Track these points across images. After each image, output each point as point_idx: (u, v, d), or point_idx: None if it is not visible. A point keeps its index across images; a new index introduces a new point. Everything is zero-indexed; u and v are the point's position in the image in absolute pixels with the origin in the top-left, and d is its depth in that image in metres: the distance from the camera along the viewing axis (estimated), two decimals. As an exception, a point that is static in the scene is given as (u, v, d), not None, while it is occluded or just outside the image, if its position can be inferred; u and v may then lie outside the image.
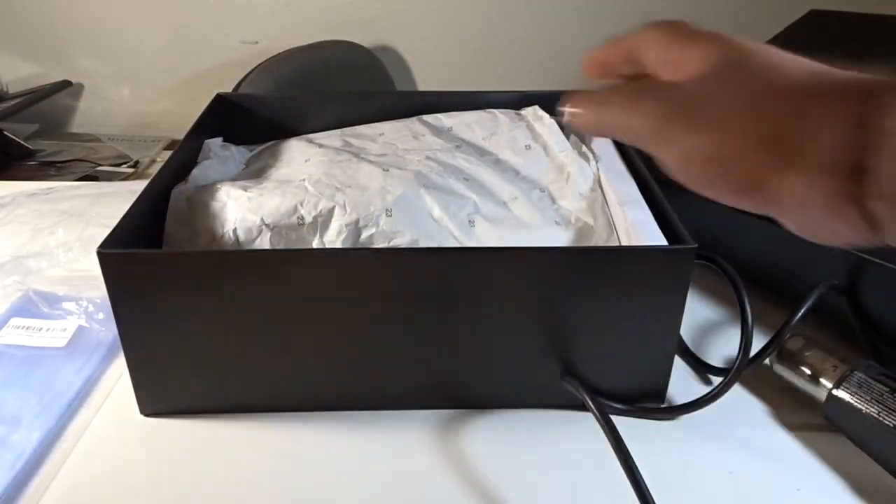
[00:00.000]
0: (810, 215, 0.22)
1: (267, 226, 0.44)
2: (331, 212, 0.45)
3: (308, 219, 0.44)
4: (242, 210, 0.45)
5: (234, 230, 0.44)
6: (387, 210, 0.45)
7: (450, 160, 0.51)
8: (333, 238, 0.44)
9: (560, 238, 0.46)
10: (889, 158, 0.18)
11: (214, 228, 0.45)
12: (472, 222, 0.46)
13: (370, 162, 0.50)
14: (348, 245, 0.44)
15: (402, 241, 0.44)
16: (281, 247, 0.44)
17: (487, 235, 0.46)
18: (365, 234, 0.45)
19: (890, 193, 0.19)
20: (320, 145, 0.55)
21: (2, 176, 0.86)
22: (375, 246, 0.44)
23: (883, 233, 0.21)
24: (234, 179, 0.51)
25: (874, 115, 0.19)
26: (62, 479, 0.40)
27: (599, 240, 0.46)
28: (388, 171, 0.48)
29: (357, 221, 0.44)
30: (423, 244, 0.44)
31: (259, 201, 0.45)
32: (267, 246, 0.44)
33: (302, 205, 0.45)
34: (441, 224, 0.46)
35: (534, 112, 0.58)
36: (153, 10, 1.16)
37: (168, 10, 1.17)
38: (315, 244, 0.44)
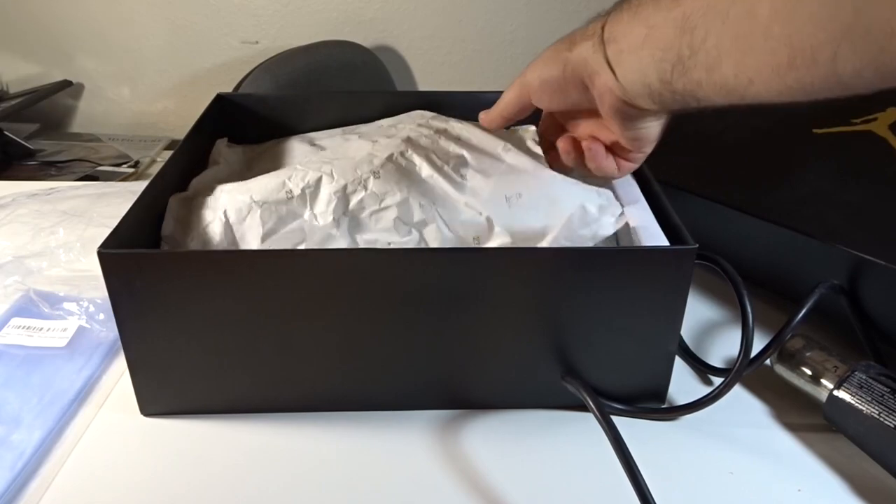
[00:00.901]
0: (586, 65, 0.40)
1: (256, 203, 0.44)
2: (318, 182, 0.44)
3: (296, 191, 0.44)
4: (233, 193, 0.44)
5: (225, 211, 0.44)
6: (374, 173, 0.44)
7: (442, 124, 0.50)
8: (323, 208, 0.44)
9: (555, 181, 0.45)
10: (608, 32, 0.38)
11: (206, 217, 0.44)
12: (463, 176, 0.45)
13: (360, 137, 0.50)
14: (339, 213, 0.44)
15: (392, 201, 0.44)
16: (272, 222, 0.44)
17: (481, 187, 0.45)
18: (354, 200, 0.44)
19: (609, 42, 0.38)
20: (322, 147, 0.55)
21: (2, 176, 0.86)
22: (367, 210, 0.44)
23: (616, 72, 0.38)
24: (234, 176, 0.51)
25: (606, 23, 0.38)
26: (62, 479, 0.40)
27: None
28: (376, 141, 0.48)
29: (345, 188, 0.44)
30: (413, 202, 0.44)
31: (248, 185, 0.45)
32: (257, 223, 0.43)
33: (290, 179, 0.44)
34: (432, 182, 0.45)
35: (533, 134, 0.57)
36: (153, 10, 1.16)
37: (168, 9, 1.17)
38: (306, 216, 0.44)
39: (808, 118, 0.57)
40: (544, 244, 0.44)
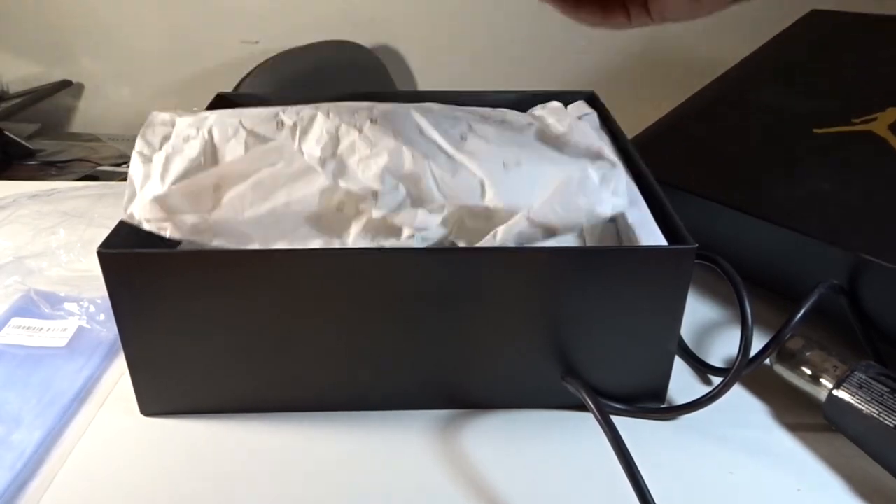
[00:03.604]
0: None
1: (244, 127, 0.42)
2: (313, 118, 0.43)
3: (288, 122, 0.42)
4: (223, 115, 0.43)
5: (210, 129, 0.42)
6: (371, 119, 0.43)
7: (448, 111, 0.49)
8: (312, 145, 0.42)
9: (557, 159, 0.44)
10: None
11: (188, 132, 0.43)
12: (463, 137, 0.44)
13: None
14: (328, 153, 0.42)
15: (383, 147, 0.42)
16: (258, 149, 0.41)
17: (480, 149, 0.43)
18: (345, 142, 0.42)
19: None
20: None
21: (2, 175, 0.87)
22: (356, 155, 0.42)
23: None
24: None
25: None
26: (62, 479, 0.40)
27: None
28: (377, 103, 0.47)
29: (338, 128, 0.42)
30: (406, 155, 0.42)
31: (239, 111, 0.44)
32: (242, 144, 0.42)
33: (283, 112, 0.43)
34: (428, 136, 0.43)
35: (542, 106, 0.56)
36: (153, 10, 1.16)
37: (168, 10, 1.17)
38: (295, 148, 0.42)
39: (808, 118, 0.57)
40: (535, 208, 0.42)
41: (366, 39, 1.41)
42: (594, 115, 0.57)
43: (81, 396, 0.45)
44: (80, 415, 0.44)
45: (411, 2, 1.41)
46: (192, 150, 0.42)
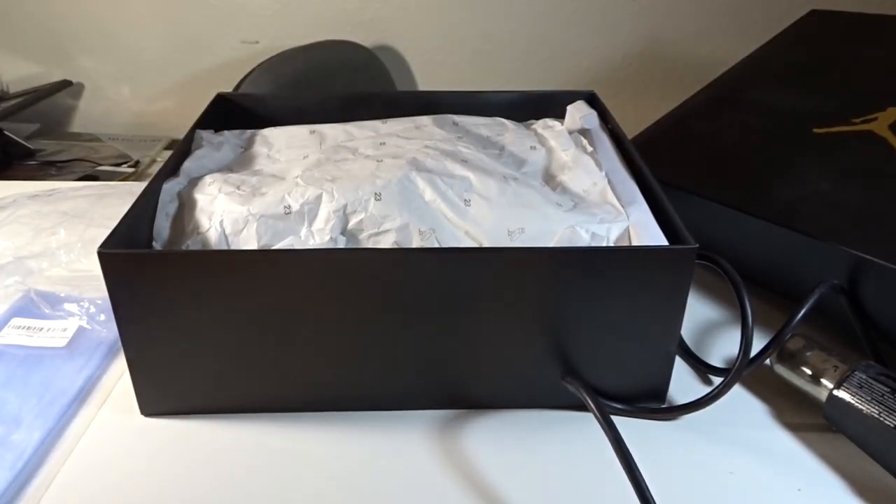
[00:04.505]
0: None
1: (253, 215, 0.44)
2: (318, 199, 0.44)
3: (295, 207, 0.44)
4: (232, 203, 0.45)
5: (221, 222, 0.44)
6: (376, 194, 0.44)
7: (449, 147, 0.50)
8: (322, 226, 0.44)
9: (560, 219, 0.45)
10: None
11: (201, 221, 0.44)
12: (467, 201, 0.45)
13: (366, 157, 0.50)
14: (337, 232, 0.44)
15: (391, 226, 0.44)
16: (268, 236, 0.44)
17: (484, 216, 0.44)
18: (353, 221, 0.44)
19: None
20: (321, 140, 0.54)
21: (2, 175, 0.87)
22: (365, 232, 0.44)
23: None
24: (229, 169, 0.50)
25: None
26: (62, 479, 0.40)
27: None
28: (381, 161, 0.48)
29: (345, 207, 0.44)
30: (413, 228, 0.44)
31: (249, 197, 0.45)
32: (253, 236, 0.43)
33: (289, 194, 0.44)
34: (433, 207, 0.45)
35: (544, 123, 0.57)
36: (153, 10, 1.16)
37: (168, 10, 1.17)
38: (303, 233, 0.44)
39: (808, 118, 0.57)
40: None
41: (366, 39, 1.41)
42: (594, 115, 0.57)
43: (81, 396, 0.45)
44: (80, 415, 0.44)
45: (411, 2, 1.41)
46: (209, 243, 0.44)
